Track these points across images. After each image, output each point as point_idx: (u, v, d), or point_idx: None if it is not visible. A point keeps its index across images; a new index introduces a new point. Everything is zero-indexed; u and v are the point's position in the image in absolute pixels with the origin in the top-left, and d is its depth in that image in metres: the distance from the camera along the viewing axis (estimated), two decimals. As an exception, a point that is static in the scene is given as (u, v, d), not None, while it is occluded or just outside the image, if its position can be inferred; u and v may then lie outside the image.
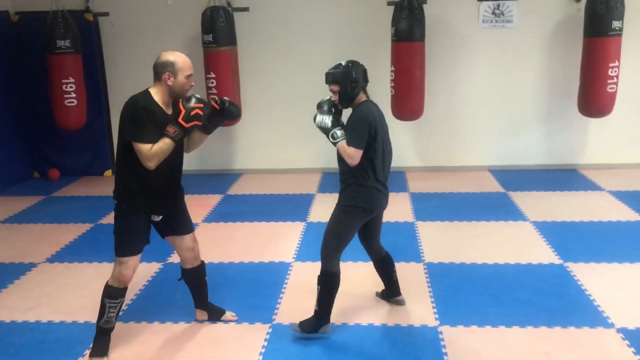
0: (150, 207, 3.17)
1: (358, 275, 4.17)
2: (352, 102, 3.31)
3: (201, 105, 3.03)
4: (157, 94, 3.11)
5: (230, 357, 3.24)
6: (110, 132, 7.14)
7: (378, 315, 3.61)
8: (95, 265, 4.49)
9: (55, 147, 7.11)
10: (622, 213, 5.26)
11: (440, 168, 6.90)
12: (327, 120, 3.30)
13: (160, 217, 3.24)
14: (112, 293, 3.17)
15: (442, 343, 3.28)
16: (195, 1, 6.45)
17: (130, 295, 3.93)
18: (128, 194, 3.11)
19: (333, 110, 3.34)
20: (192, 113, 3.00)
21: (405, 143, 6.91)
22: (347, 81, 3.24)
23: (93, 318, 3.64)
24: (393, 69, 6.15)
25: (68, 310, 3.78)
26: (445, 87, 6.69)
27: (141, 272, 4.31)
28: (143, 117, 3.00)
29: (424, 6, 6.12)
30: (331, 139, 3.26)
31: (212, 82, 6.24)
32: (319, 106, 3.41)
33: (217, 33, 6.15)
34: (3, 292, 4.09)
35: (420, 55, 6.13)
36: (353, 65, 3.29)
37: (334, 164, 6.87)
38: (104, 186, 6.74)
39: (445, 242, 4.76)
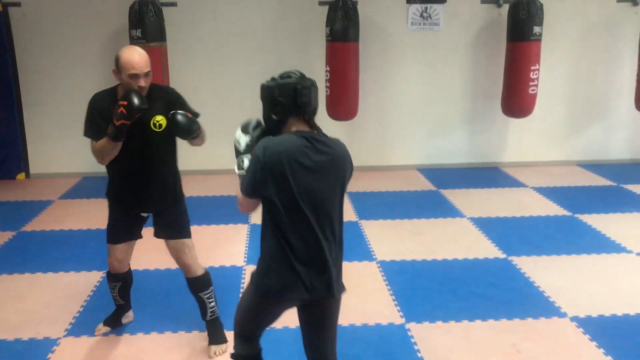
0: (122, 202, 3.12)
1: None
2: (278, 131, 2.32)
3: (125, 102, 2.75)
4: (120, 90, 2.92)
5: (198, 368, 3.09)
6: (24, 133, 6.61)
7: (344, 316, 3.56)
8: (28, 277, 4.12)
9: (-42, 149, 6.49)
10: (549, 208, 5.59)
11: (372, 168, 7.00)
12: (242, 140, 2.41)
13: (147, 214, 3.15)
14: (108, 276, 3.34)
15: (412, 340, 3.32)
16: (120, -7, 6.12)
17: (72, 312, 3.65)
18: (108, 186, 3.15)
19: (258, 132, 2.43)
20: (118, 111, 2.74)
21: (338, 143, 6.94)
22: (267, 102, 2.33)
23: (38, 334, 3.37)
24: (328, 68, 6.16)
25: (8, 327, 3.44)
26: (376, 88, 6.79)
27: (82, 282, 4.04)
28: (90, 113, 2.96)
29: (358, 7, 6.19)
30: (235, 168, 2.39)
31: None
32: (245, 124, 2.51)
33: (147, 28, 5.86)
34: None
35: (354, 55, 6.18)
36: (284, 80, 2.30)
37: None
38: (19, 190, 6.24)
39: (392, 240, 4.83)
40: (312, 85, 2.30)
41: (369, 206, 5.67)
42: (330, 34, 6.08)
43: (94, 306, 3.72)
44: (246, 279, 4.10)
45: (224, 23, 6.55)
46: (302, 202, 2.16)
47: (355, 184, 6.32)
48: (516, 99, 6.36)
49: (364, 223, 5.21)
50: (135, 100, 2.74)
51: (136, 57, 2.83)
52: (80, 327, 3.46)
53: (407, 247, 4.66)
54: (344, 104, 6.27)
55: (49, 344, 3.26)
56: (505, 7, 6.41)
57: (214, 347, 3.18)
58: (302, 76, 2.31)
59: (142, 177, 3.04)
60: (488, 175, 6.72)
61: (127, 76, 2.82)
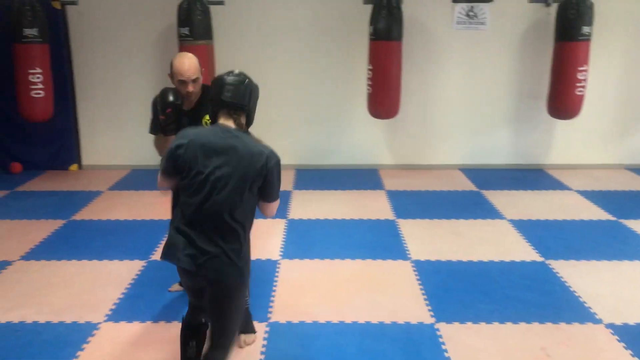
0: None
1: (349, 273, 4.17)
2: (213, 122, 2.59)
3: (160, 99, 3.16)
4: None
5: (232, 357, 3.17)
6: (77, 125, 6.90)
7: (373, 312, 3.63)
8: (75, 263, 4.33)
9: (17, 140, 6.81)
10: (592, 212, 5.46)
11: (412, 166, 6.99)
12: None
13: None
14: None
15: (440, 340, 3.32)
16: (170, -8, 6.30)
17: (112, 299, 3.83)
18: None
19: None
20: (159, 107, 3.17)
21: (380, 141, 6.97)
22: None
23: (80, 318, 3.54)
24: (370, 67, 6.18)
25: (53, 310, 3.63)
26: (418, 87, 6.77)
27: (124, 270, 4.21)
28: (152, 111, 3.32)
29: (403, 6, 6.18)
30: None
31: (188, 76, 6.10)
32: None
33: (194, 26, 6.02)
34: (-23, 292, 3.90)
35: (397, 54, 6.18)
36: (219, 76, 2.59)
37: (308, 161, 6.96)
38: (72, 181, 6.52)
39: (429, 239, 4.82)
40: (242, 84, 2.50)
41: (407, 205, 5.67)
42: (374, 32, 6.09)
43: (134, 294, 3.87)
44: (280, 272, 4.19)
45: (270, 21, 6.66)
46: (202, 179, 2.39)
47: (394, 182, 6.37)
48: (562, 100, 6.22)
49: (400, 222, 5.22)
50: (167, 97, 2.95)
51: (185, 65, 3.15)
52: (119, 313, 3.62)
53: (443, 247, 4.65)
54: (385, 103, 6.28)
55: (89, 328, 3.43)
56: (554, 6, 6.28)
57: (243, 337, 3.28)
58: (239, 75, 2.53)
59: None
60: (531, 177, 6.61)
61: (177, 82, 3.17)
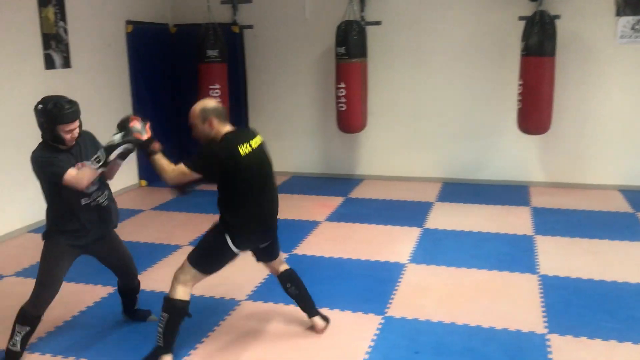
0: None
1: (472, 281, 4.31)
2: None
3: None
4: None
5: (343, 342, 3.53)
6: (247, 135, 7.78)
7: (486, 318, 3.74)
8: (230, 251, 5.02)
9: (198, 147, 7.87)
10: None
11: (566, 184, 6.78)
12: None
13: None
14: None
15: (548, 349, 3.35)
16: (331, 15, 6.90)
17: (255, 282, 4.39)
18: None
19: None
20: None
21: (531, 157, 6.88)
22: None
23: (226, 294, 4.13)
24: (521, 82, 6.18)
25: (206, 287, 4.25)
26: (574, 103, 6.58)
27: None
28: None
29: (557, 21, 6.11)
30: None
31: (342, 92, 6.63)
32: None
33: (350, 45, 6.55)
34: (154, 267, 4.71)
35: (549, 70, 6.11)
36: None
37: (456, 175, 7.10)
38: (239, 183, 7.38)
39: (563, 256, 4.74)
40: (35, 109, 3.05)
41: (549, 222, 5.58)
42: (525, 48, 6.10)
43: (273, 280, 4.37)
44: (405, 275, 4.46)
45: (424, 39, 6.95)
46: None
47: (542, 199, 6.28)
48: None
49: (538, 238, 5.17)
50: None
51: None
52: (258, 294, 4.17)
53: (577, 264, 4.56)
54: (535, 118, 6.22)
55: (232, 304, 4.02)
56: None
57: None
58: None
59: None
60: (702, 203, 6.06)
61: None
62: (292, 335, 3.59)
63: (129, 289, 3.70)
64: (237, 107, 7.53)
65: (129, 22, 6.85)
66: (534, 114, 6.20)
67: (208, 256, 3.23)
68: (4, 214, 5.32)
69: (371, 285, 4.29)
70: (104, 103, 6.45)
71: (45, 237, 3.26)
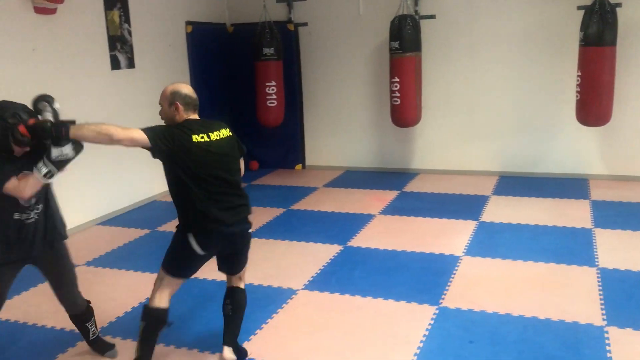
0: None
1: (528, 274, 4.30)
2: None
3: None
4: None
5: (398, 331, 3.59)
6: (302, 130, 7.93)
7: (542, 310, 3.72)
8: (287, 243, 5.16)
9: (255, 142, 8.08)
10: None
11: (628, 177, 6.59)
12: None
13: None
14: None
15: (606, 342, 3.32)
16: (385, 11, 6.94)
17: (311, 273, 4.51)
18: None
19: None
20: None
21: (590, 149, 6.73)
22: None
23: (283, 284, 4.27)
24: (579, 73, 6.05)
25: (264, 276, 4.44)
26: (636, 94, 6.39)
27: (323, 252, 4.90)
28: None
29: (618, 9, 5.95)
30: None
31: (396, 86, 6.67)
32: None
33: (404, 40, 6.57)
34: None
35: (609, 60, 5.95)
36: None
37: (513, 168, 7.01)
38: (295, 178, 7.55)
39: (623, 249, 4.65)
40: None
41: (610, 215, 5.46)
42: (584, 38, 5.96)
43: (329, 271, 4.52)
44: (460, 267, 4.48)
45: (479, 31, 6.90)
46: None
47: (602, 192, 6.15)
48: None
49: (597, 231, 5.08)
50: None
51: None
52: (314, 284, 4.28)
53: (638, 258, 4.46)
54: (594, 110, 6.08)
55: (289, 293, 4.15)
56: None
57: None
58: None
59: None
60: None
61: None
62: (347, 323, 3.69)
63: (71, 316, 3.27)
64: (292, 103, 7.67)
65: (188, 23, 7.10)
66: (594, 105, 6.06)
67: (174, 259, 3.02)
68: (73, 208, 5.64)
69: (426, 276, 4.33)
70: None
71: None
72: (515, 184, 6.71)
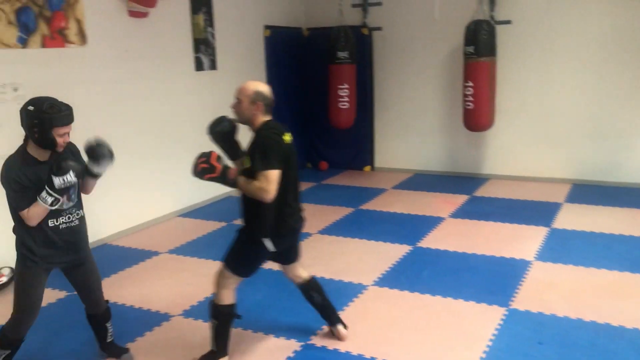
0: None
1: (600, 281, 4.26)
2: None
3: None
4: None
5: (467, 329, 3.66)
6: (372, 133, 8.05)
7: (615, 317, 3.69)
8: (356, 241, 5.30)
9: (325, 143, 8.27)
10: None
11: None
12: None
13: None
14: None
15: (683, 352, 3.28)
16: (460, 15, 6.97)
17: (382, 269, 4.62)
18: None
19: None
20: None
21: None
22: None
23: (353, 279, 4.41)
24: (662, 80, 5.90)
25: (335, 271, 4.59)
26: None
27: (392, 251, 5.00)
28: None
29: None
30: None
31: (469, 90, 6.69)
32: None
33: (479, 44, 6.58)
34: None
35: (695, 67, 5.78)
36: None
37: (587, 176, 6.88)
38: (364, 179, 7.68)
39: None
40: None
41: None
42: (668, 44, 5.82)
43: (398, 269, 4.63)
44: (531, 271, 4.48)
45: (556, 37, 6.81)
46: None
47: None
48: None
49: (676, 242, 4.95)
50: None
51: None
52: (384, 281, 4.40)
53: None
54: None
55: (360, 288, 4.29)
56: None
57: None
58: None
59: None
60: None
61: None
62: (416, 320, 3.78)
63: (91, 317, 3.28)
64: (364, 105, 7.81)
65: (266, 27, 7.37)
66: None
67: (245, 260, 3.15)
68: (158, 200, 5.99)
69: (496, 279, 4.37)
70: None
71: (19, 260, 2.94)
72: (588, 192, 6.59)
